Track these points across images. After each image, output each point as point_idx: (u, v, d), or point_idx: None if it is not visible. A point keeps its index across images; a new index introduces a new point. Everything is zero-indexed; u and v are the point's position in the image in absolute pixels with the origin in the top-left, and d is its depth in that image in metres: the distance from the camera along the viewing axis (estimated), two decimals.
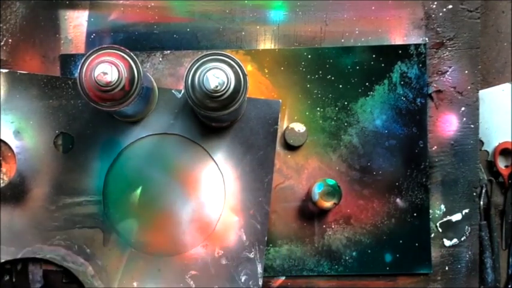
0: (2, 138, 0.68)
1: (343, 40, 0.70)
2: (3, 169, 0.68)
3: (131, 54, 0.55)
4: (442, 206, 0.70)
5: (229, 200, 0.68)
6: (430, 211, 0.70)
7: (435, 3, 0.70)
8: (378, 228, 0.69)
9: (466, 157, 0.70)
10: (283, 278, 0.70)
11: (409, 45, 0.69)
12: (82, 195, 0.68)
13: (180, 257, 0.68)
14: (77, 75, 0.54)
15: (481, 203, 0.74)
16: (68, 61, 0.70)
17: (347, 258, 0.69)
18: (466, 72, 0.70)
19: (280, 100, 0.69)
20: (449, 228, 0.70)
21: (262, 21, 0.70)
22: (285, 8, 0.70)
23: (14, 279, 0.68)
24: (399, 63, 0.69)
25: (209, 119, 0.64)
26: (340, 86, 0.69)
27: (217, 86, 0.53)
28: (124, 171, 0.68)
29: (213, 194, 0.68)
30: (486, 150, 0.76)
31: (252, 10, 0.70)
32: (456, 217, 0.70)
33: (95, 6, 0.70)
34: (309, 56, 0.69)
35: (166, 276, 0.68)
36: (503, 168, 0.75)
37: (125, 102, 0.55)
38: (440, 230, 0.70)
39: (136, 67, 0.55)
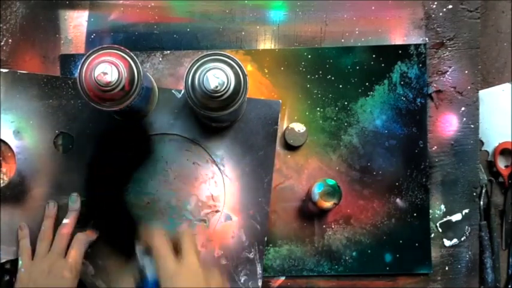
0: (2, 138, 0.68)
1: (343, 40, 0.70)
2: (3, 169, 0.68)
3: (131, 54, 0.55)
4: (442, 206, 0.70)
5: (229, 200, 0.68)
6: (430, 211, 0.70)
7: (435, 3, 0.70)
8: (378, 228, 0.69)
9: (466, 157, 0.70)
10: (283, 278, 0.70)
11: (409, 45, 0.69)
12: (82, 195, 0.68)
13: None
14: (77, 75, 0.54)
15: (481, 203, 0.74)
16: (68, 61, 0.70)
17: (347, 258, 0.69)
18: (466, 72, 0.70)
19: (280, 100, 0.68)
20: (449, 228, 0.70)
21: (262, 21, 0.70)
22: (285, 8, 0.70)
23: (14, 279, 0.68)
24: (399, 63, 0.69)
25: (209, 119, 0.64)
26: (340, 86, 0.69)
27: (217, 86, 0.53)
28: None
29: (213, 194, 0.68)
30: (486, 150, 0.76)
31: (252, 10, 0.70)
32: (456, 217, 0.70)
33: (95, 6, 0.70)
34: (309, 56, 0.69)
35: None
36: (503, 168, 0.75)
37: (124, 102, 0.55)
38: (440, 230, 0.70)
39: (136, 67, 0.55)
